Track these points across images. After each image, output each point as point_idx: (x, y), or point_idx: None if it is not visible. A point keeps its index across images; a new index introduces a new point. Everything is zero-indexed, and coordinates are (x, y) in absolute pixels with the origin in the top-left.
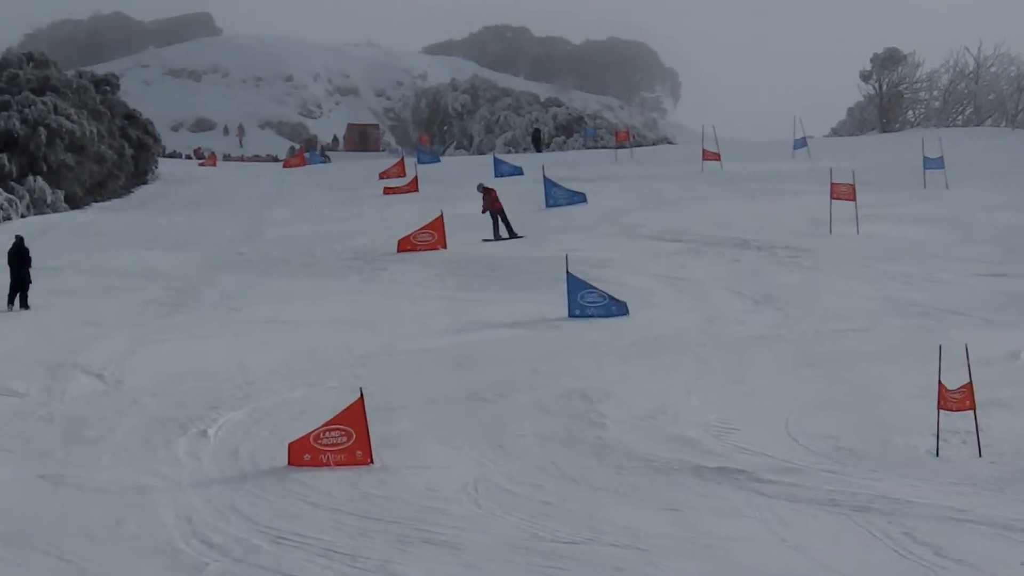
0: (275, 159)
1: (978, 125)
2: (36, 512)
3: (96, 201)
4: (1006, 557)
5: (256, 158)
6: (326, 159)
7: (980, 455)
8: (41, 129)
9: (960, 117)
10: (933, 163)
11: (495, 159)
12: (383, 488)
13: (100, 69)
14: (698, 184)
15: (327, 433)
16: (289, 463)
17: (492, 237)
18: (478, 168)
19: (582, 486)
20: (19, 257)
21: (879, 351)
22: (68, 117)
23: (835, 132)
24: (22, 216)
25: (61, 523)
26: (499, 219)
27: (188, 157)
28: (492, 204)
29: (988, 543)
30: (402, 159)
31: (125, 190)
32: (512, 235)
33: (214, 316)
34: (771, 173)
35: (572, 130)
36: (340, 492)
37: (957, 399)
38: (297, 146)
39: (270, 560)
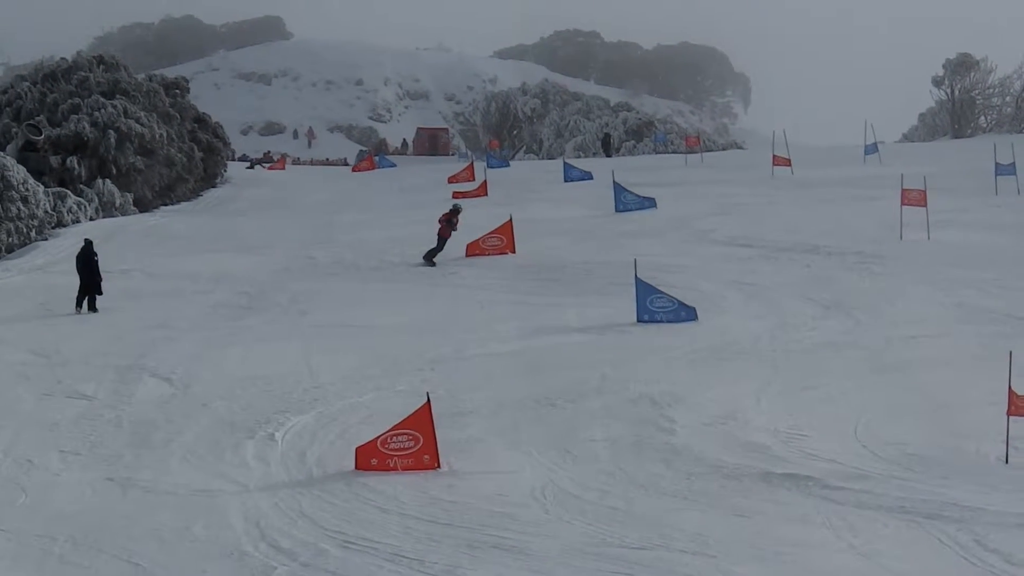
0: (344, 163)
1: None
2: (105, 515)
3: (165, 204)
4: None
5: (326, 162)
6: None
7: None
8: (111, 132)
9: None
10: (1005, 169)
11: (565, 164)
12: (451, 493)
13: (170, 72)
14: (769, 189)
15: (395, 438)
16: (356, 467)
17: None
18: (548, 172)
19: (650, 491)
20: (88, 261)
21: (950, 358)
22: (138, 120)
23: (906, 138)
24: (91, 219)
25: (130, 526)
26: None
27: (251, 164)
28: (443, 229)
29: None
30: (471, 163)
31: (194, 193)
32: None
33: (283, 320)
34: (842, 178)
35: (642, 135)
36: (408, 497)
37: None
38: (366, 149)
39: (337, 564)
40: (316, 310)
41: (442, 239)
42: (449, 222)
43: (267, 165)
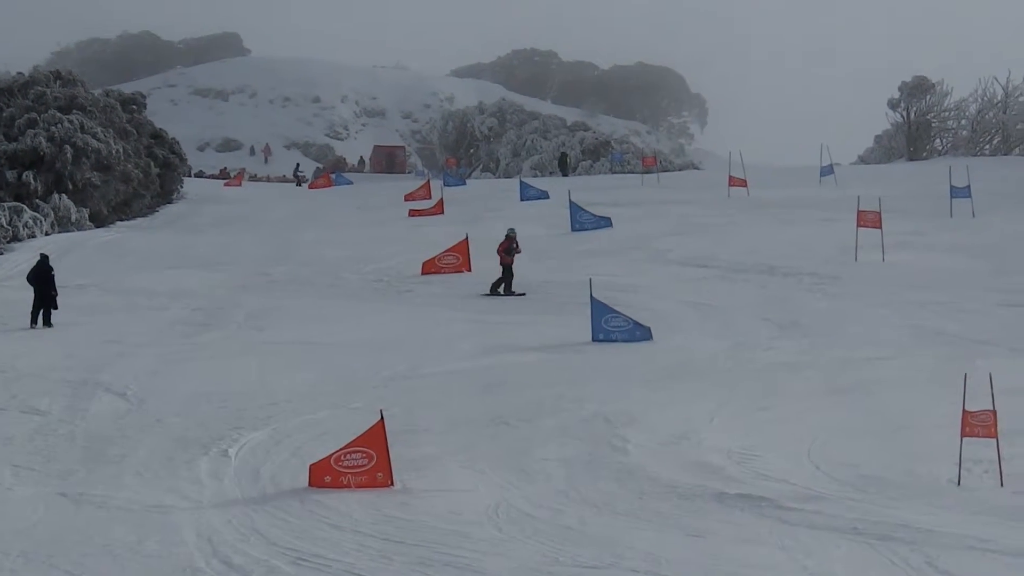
0: (297, 176)
1: (1006, 155)
2: (58, 530)
3: (121, 220)
4: None
5: (283, 179)
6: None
7: (1002, 485)
8: (67, 147)
9: (988, 146)
10: (960, 192)
11: (521, 183)
12: (405, 511)
13: (127, 88)
14: (725, 210)
15: (348, 455)
16: (310, 484)
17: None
18: (504, 191)
19: (604, 511)
20: (43, 276)
21: (904, 379)
22: (94, 136)
23: (862, 160)
24: (47, 234)
25: (83, 541)
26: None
27: (212, 176)
28: (503, 259)
29: (1009, 573)
30: (428, 181)
31: (150, 209)
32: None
33: (239, 336)
34: (798, 200)
35: (599, 154)
36: (361, 514)
37: (980, 424)
38: (321, 166)
39: None
40: (272, 327)
41: (506, 268)
42: (508, 250)
43: (306, 183)
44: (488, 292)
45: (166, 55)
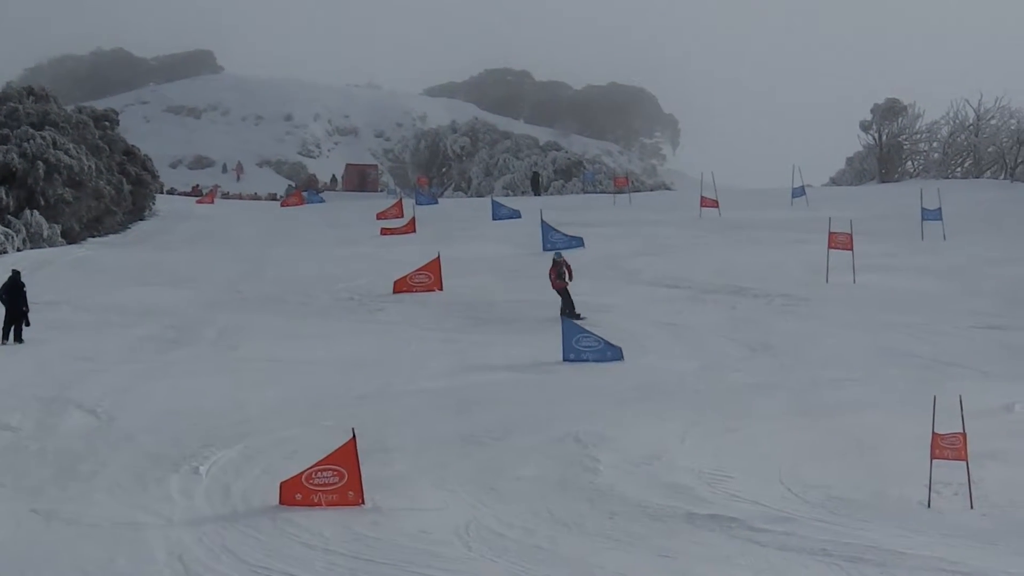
0: (274, 197)
1: (977, 177)
2: (28, 547)
3: (93, 236)
4: None
5: (255, 196)
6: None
7: (972, 507)
8: (39, 163)
9: (959, 169)
10: (931, 214)
11: (493, 202)
12: (375, 529)
13: (100, 104)
14: (696, 231)
15: (319, 473)
16: (280, 502)
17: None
18: (476, 210)
19: (574, 531)
20: (15, 291)
21: (875, 401)
22: (67, 152)
23: (834, 181)
24: (18, 250)
25: (53, 558)
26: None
27: (184, 194)
28: (555, 283)
29: None
30: (400, 200)
31: (122, 226)
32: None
33: (210, 354)
34: (769, 221)
35: (571, 174)
36: (332, 532)
37: (949, 447)
38: (294, 184)
39: None
40: (243, 344)
41: (561, 292)
42: (559, 275)
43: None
44: (570, 315)
45: (139, 72)
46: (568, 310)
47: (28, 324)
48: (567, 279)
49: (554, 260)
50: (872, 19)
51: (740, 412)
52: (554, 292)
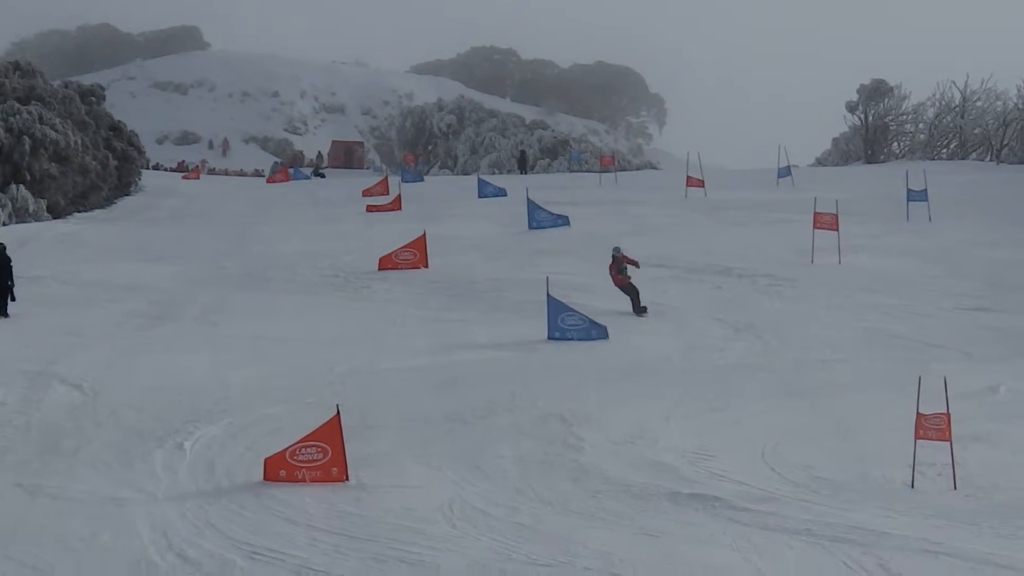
0: (260, 174)
1: (963, 159)
2: (12, 521)
3: (79, 212)
4: None
5: (241, 173)
6: (321, 175)
7: (955, 488)
8: (25, 138)
9: (945, 151)
10: (917, 195)
11: (479, 180)
12: (359, 506)
13: (87, 80)
14: (682, 211)
15: (303, 449)
16: (265, 478)
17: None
18: (462, 188)
19: (558, 509)
20: (1, 265)
21: (859, 382)
22: (53, 127)
23: (819, 162)
24: (3, 224)
25: (37, 533)
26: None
27: (170, 169)
28: (616, 280)
29: None
30: (386, 177)
31: (108, 201)
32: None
33: (195, 330)
34: (755, 201)
35: (557, 153)
36: (316, 509)
37: (934, 427)
38: (280, 161)
39: None
40: (228, 321)
41: (629, 288)
42: (619, 270)
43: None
44: (638, 314)
45: (125, 48)
46: (636, 306)
47: (14, 299)
48: (628, 273)
49: (613, 256)
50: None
51: (724, 392)
52: (620, 290)
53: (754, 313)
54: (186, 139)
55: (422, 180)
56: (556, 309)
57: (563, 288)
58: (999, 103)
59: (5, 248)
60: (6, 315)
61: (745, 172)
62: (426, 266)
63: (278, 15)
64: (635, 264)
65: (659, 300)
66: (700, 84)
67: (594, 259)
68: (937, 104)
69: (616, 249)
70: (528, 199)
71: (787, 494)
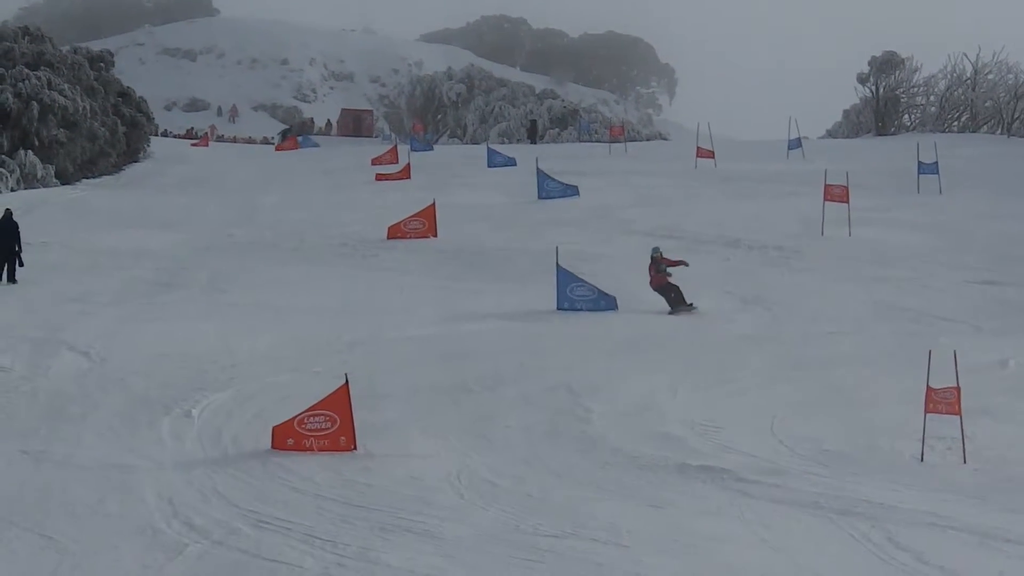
0: (269, 141)
1: (974, 132)
2: (18, 488)
3: (87, 178)
4: (987, 565)
5: (250, 140)
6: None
7: (965, 462)
8: (34, 104)
9: (956, 123)
10: (927, 168)
11: (489, 149)
12: (366, 475)
13: (96, 46)
14: (691, 182)
15: (311, 418)
16: (272, 447)
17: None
18: (471, 157)
19: (565, 480)
20: (8, 231)
21: (867, 355)
22: (62, 93)
23: (830, 134)
24: (11, 190)
25: (43, 500)
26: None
27: (178, 136)
28: (655, 280)
29: (969, 551)
30: (395, 146)
31: (116, 168)
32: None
33: (202, 298)
34: (765, 173)
35: (567, 123)
36: (323, 478)
37: (943, 401)
38: (290, 128)
39: (250, 544)
40: (235, 289)
41: (666, 288)
42: (658, 270)
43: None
44: (680, 311)
45: (134, 14)
46: (675, 302)
47: (22, 264)
48: (665, 273)
49: (652, 257)
50: None
51: (732, 364)
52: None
53: (763, 285)
54: (195, 106)
55: (431, 149)
56: (565, 279)
57: (572, 258)
58: (1011, 76)
59: (12, 213)
60: (14, 281)
61: (755, 144)
62: (435, 235)
63: None
64: (681, 264)
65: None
66: (711, 55)
67: (603, 230)
68: (948, 76)
69: (655, 250)
70: (538, 169)
71: (795, 467)
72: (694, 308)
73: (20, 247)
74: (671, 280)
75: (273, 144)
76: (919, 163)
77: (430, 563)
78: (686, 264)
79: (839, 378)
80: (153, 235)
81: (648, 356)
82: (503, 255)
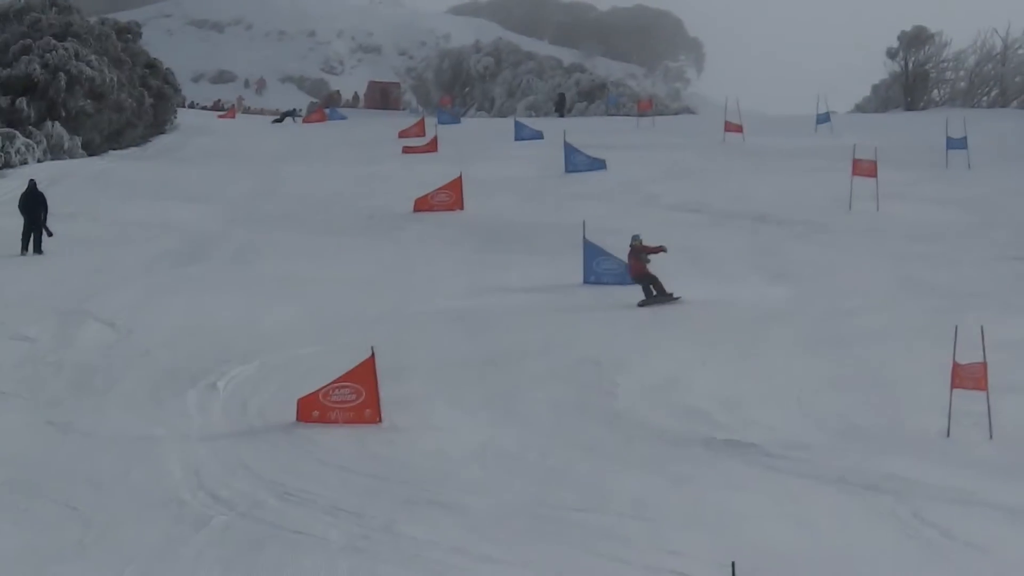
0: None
1: (1003, 107)
2: (44, 459)
3: (114, 149)
4: (1013, 540)
5: (276, 112)
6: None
7: (991, 438)
8: (61, 75)
9: (986, 98)
10: (956, 143)
11: (516, 123)
12: (391, 448)
13: (123, 17)
14: (719, 156)
15: (337, 390)
16: (298, 419)
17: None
18: (499, 131)
19: (591, 454)
20: (33, 201)
21: (894, 331)
22: (89, 64)
23: (859, 109)
24: (39, 161)
25: (68, 471)
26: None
27: (205, 108)
28: (636, 268)
29: (995, 526)
30: (422, 119)
31: (143, 139)
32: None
33: (228, 270)
34: (793, 147)
35: (595, 97)
36: (348, 450)
37: (970, 377)
38: (316, 101)
39: (275, 516)
40: (261, 261)
41: (645, 278)
42: (638, 258)
43: (299, 118)
44: (652, 302)
45: None
46: (651, 295)
47: (51, 234)
48: (645, 260)
49: (632, 245)
50: None
51: (758, 339)
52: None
53: (790, 260)
54: (222, 78)
55: (459, 122)
56: (592, 253)
57: (599, 232)
58: None
59: (36, 184)
60: (40, 252)
61: (783, 118)
62: (461, 208)
63: None
64: (659, 251)
65: (693, 245)
66: (739, 29)
67: (630, 204)
68: (978, 52)
69: (635, 237)
70: (565, 142)
71: (821, 442)
72: (676, 298)
73: (46, 217)
74: (650, 269)
75: (270, 121)
76: (948, 138)
77: (454, 536)
78: (664, 250)
79: (866, 353)
80: (179, 207)
81: (674, 330)
82: (530, 228)
